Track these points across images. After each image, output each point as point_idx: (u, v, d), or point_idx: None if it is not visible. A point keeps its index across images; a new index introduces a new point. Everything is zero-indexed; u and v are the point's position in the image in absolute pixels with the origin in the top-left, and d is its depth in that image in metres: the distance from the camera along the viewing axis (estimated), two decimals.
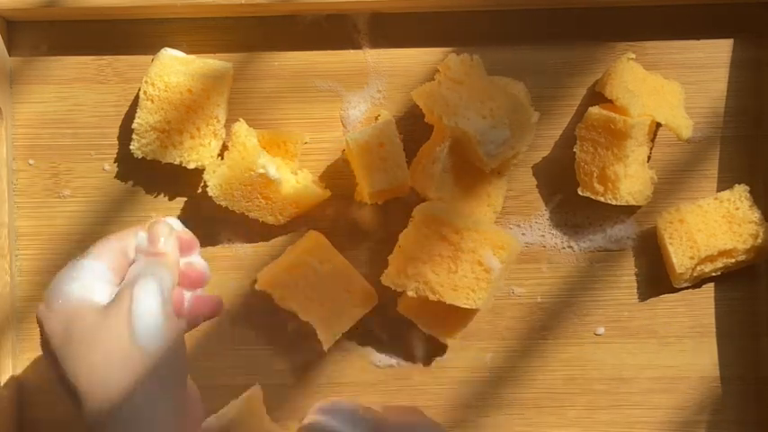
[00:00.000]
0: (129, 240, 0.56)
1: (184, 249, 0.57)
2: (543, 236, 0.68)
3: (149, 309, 0.52)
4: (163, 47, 0.67)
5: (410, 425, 0.53)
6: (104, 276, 0.54)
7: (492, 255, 0.62)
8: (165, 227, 0.56)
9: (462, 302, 0.62)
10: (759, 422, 0.68)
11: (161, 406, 0.52)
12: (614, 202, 0.65)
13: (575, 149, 0.66)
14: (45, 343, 0.53)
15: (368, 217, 0.68)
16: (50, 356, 0.53)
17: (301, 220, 0.68)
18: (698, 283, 0.68)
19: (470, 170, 0.65)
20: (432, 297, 0.62)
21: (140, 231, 0.56)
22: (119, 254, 0.55)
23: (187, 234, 0.58)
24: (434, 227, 0.63)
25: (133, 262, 0.55)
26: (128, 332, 0.51)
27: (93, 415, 0.51)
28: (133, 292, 0.52)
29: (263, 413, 0.66)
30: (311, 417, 0.59)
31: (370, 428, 0.55)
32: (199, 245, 0.58)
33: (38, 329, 0.68)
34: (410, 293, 0.63)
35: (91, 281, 0.54)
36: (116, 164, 0.68)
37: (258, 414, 0.65)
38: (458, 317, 0.66)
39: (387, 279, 0.64)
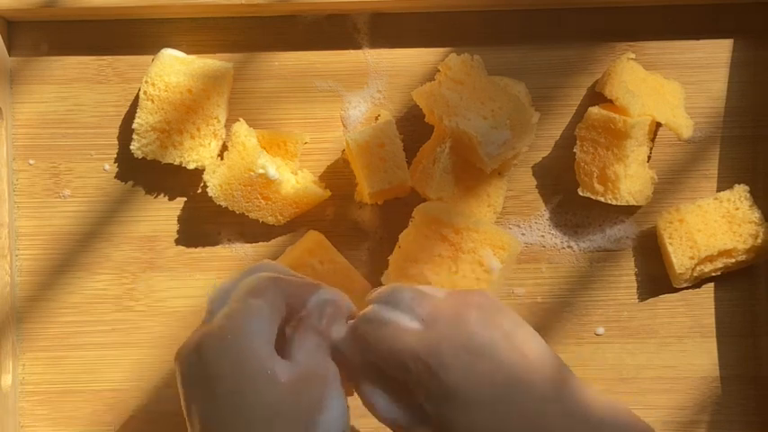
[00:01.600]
0: (300, 298, 0.54)
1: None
2: (543, 236, 0.68)
3: (338, 420, 0.51)
4: (163, 47, 0.67)
5: (461, 316, 0.52)
6: (273, 321, 0.52)
7: (492, 255, 0.62)
8: (341, 304, 0.55)
9: None
10: (759, 422, 0.68)
11: None
12: (614, 202, 0.65)
13: (575, 149, 0.66)
14: (200, 381, 0.50)
15: (368, 217, 0.68)
16: (198, 394, 0.50)
17: (301, 220, 0.68)
18: (698, 283, 0.68)
19: (471, 170, 0.65)
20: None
21: (314, 296, 0.54)
22: (283, 302, 0.53)
23: (352, 308, 0.56)
24: (434, 227, 0.63)
25: (296, 318, 0.53)
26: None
27: None
28: (326, 398, 0.51)
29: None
30: (370, 306, 0.56)
31: (424, 316, 0.53)
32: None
33: (39, 329, 0.68)
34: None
35: (263, 327, 0.51)
36: (116, 164, 0.69)
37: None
38: None
39: (387, 279, 0.64)
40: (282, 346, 0.53)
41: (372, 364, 0.53)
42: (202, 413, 0.50)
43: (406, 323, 0.53)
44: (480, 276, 0.62)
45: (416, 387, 0.51)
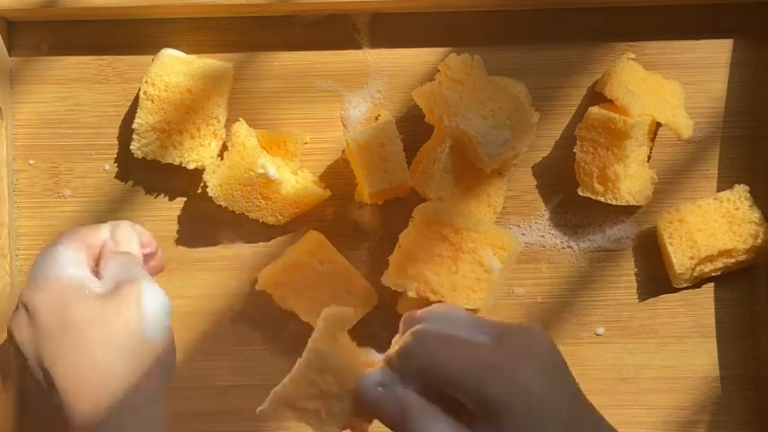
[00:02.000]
0: (94, 235, 0.58)
1: (145, 246, 0.60)
2: (543, 236, 0.68)
3: (160, 306, 0.54)
4: (163, 47, 0.67)
5: (532, 332, 0.53)
6: (82, 262, 0.55)
7: (492, 255, 0.62)
8: (129, 228, 0.59)
9: (463, 303, 0.62)
10: (759, 422, 0.68)
11: (158, 407, 0.52)
12: (614, 202, 0.65)
13: (575, 149, 0.66)
14: (26, 325, 0.53)
15: (368, 217, 0.68)
16: (32, 340, 0.52)
17: (301, 220, 0.68)
18: (698, 283, 0.68)
19: (471, 170, 0.65)
20: (432, 297, 0.62)
21: (104, 229, 0.58)
22: (87, 245, 0.57)
23: (145, 233, 0.61)
24: (434, 227, 0.63)
25: (98, 256, 0.57)
26: (139, 328, 0.52)
27: (84, 413, 0.50)
28: (142, 289, 0.53)
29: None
30: (420, 325, 0.54)
31: (488, 333, 0.52)
32: (155, 243, 0.62)
33: None
34: (410, 294, 0.63)
35: (74, 265, 0.55)
36: (116, 164, 0.68)
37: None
38: None
39: (387, 279, 0.64)
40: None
41: (430, 391, 0.51)
42: (50, 359, 0.52)
43: (474, 338, 0.52)
44: (480, 276, 0.62)
45: (493, 409, 0.49)
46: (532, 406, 0.49)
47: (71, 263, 0.55)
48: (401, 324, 0.56)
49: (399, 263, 0.63)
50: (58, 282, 0.53)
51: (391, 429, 0.52)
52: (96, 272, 0.56)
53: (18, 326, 0.53)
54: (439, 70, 0.65)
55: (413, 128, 0.68)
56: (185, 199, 0.68)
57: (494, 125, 0.62)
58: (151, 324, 0.53)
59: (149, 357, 0.52)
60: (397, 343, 0.54)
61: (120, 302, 0.53)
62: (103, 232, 0.58)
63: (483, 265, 0.63)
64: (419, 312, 0.55)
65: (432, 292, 0.62)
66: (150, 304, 0.53)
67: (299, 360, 0.55)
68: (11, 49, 0.68)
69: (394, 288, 0.63)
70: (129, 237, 0.58)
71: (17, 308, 0.54)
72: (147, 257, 0.61)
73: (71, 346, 0.52)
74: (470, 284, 0.62)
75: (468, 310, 0.63)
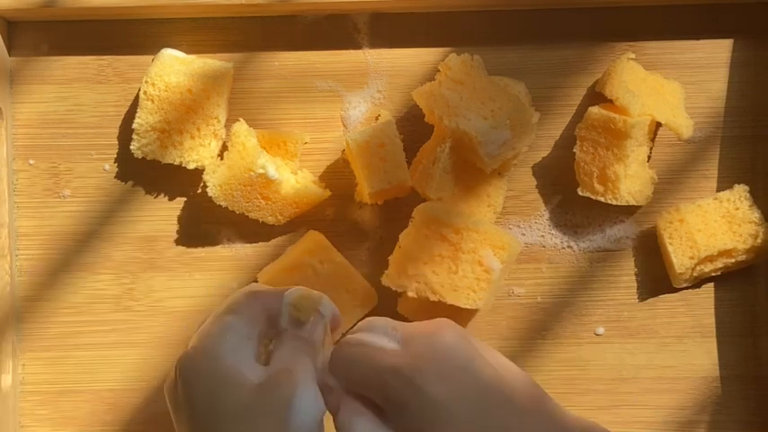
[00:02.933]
0: (273, 303, 0.56)
1: (332, 326, 0.58)
2: (543, 236, 0.68)
3: (311, 410, 0.52)
4: (163, 47, 0.67)
5: (435, 335, 0.54)
6: (249, 337, 0.54)
7: (492, 255, 0.62)
8: (319, 316, 0.56)
9: (463, 303, 0.62)
10: (759, 422, 0.68)
11: None
12: (614, 202, 0.65)
13: (574, 149, 0.66)
14: (181, 403, 0.52)
15: (368, 217, 0.68)
16: (185, 411, 0.52)
17: (301, 220, 0.68)
18: (698, 283, 0.68)
19: (471, 170, 0.65)
20: (432, 297, 0.62)
21: (286, 299, 0.56)
22: (261, 315, 0.55)
23: (335, 316, 0.58)
24: (434, 227, 0.63)
25: (273, 327, 0.55)
26: (284, 426, 0.51)
27: None
28: (297, 391, 0.52)
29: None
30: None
31: (399, 339, 0.55)
32: (340, 321, 0.59)
33: (39, 329, 0.68)
34: (410, 294, 0.63)
35: (240, 349, 0.53)
36: (116, 164, 0.69)
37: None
38: (458, 317, 0.65)
39: (387, 279, 0.64)
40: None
41: (353, 392, 0.54)
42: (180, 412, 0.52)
43: (384, 344, 0.55)
44: (480, 276, 0.62)
45: (396, 407, 0.52)
46: (425, 405, 0.51)
47: (237, 347, 0.53)
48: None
49: (399, 263, 0.63)
50: (216, 369, 0.52)
51: None
52: (265, 340, 0.55)
53: (172, 393, 0.53)
54: (439, 70, 0.65)
55: (413, 128, 0.68)
56: (185, 199, 0.68)
57: (494, 125, 0.62)
58: (299, 426, 0.51)
59: None
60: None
61: (271, 401, 0.51)
62: (285, 305, 0.56)
63: (483, 265, 0.63)
64: (357, 325, 0.59)
65: (432, 292, 0.62)
66: (301, 409, 0.51)
67: None
68: (11, 49, 0.68)
69: (394, 288, 0.63)
70: (314, 324, 0.56)
71: (174, 371, 0.53)
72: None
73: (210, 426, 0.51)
74: (470, 284, 0.62)
75: (468, 310, 0.63)
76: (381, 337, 0.56)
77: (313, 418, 0.52)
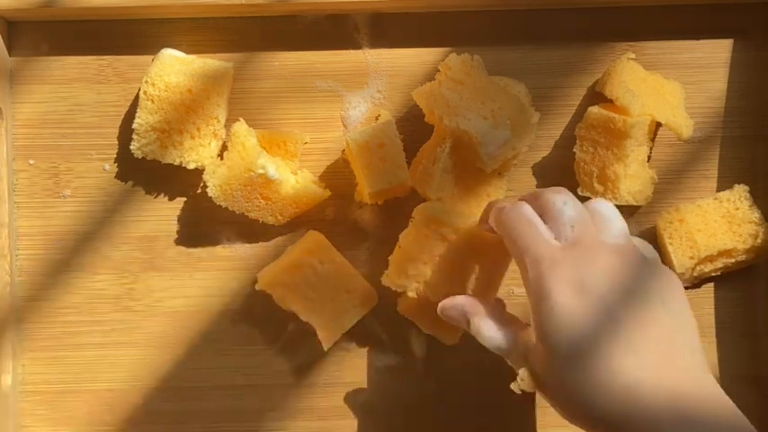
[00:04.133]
0: None
1: None
2: None
3: None
4: (163, 47, 0.67)
5: (596, 253, 0.54)
6: None
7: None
8: None
9: None
10: (759, 422, 0.68)
11: None
12: (614, 202, 0.65)
13: (574, 149, 0.66)
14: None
15: (368, 217, 0.68)
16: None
17: (301, 220, 0.68)
18: (698, 283, 0.68)
19: (471, 170, 0.65)
20: (432, 298, 0.62)
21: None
22: None
23: None
24: (434, 227, 0.63)
25: None
26: None
27: None
28: None
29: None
30: (537, 197, 0.58)
31: (569, 238, 0.54)
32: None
33: (39, 329, 0.68)
34: (410, 294, 0.63)
35: None
36: (116, 164, 0.69)
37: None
38: None
39: (387, 279, 0.64)
40: None
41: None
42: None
43: (548, 235, 0.55)
44: (479, 276, 0.62)
45: (531, 297, 0.54)
46: (547, 304, 0.52)
47: None
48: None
49: (399, 263, 0.63)
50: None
51: None
52: None
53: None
54: (439, 70, 0.65)
55: (413, 128, 0.68)
56: (185, 199, 0.68)
57: (494, 125, 0.62)
58: None
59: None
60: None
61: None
62: None
63: None
64: (547, 192, 0.57)
65: (431, 292, 0.62)
66: None
67: None
68: (11, 49, 0.68)
69: (394, 288, 0.63)
70: None
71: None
72: None
73: None
74: (470, 285, 0.62)
75: None
76: (550, 229, 0.55)
77: None
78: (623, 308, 0.52)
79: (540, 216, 0.56)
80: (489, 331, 0.57)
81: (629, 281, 0.53)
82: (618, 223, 0.55)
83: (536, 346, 0.54)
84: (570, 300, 0.52)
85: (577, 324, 0.51)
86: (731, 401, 0.52)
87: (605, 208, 0.56)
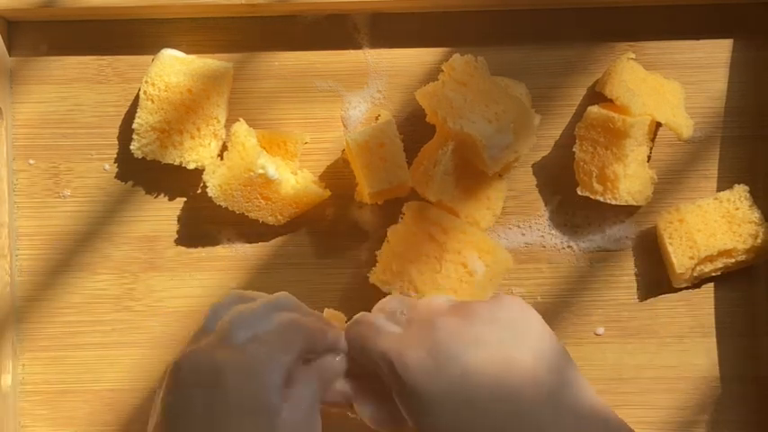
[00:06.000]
0: (318, 340, 0.57)
1: None
2: (543, 236, 0.68)
3: None
4: (163, 47, 0.67)
5: (434, 320, 0.54)
6: (290, 363, 0.54)
7: (477, 258, 0.63)
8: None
9: None
10: (759, 422, 0.68)
11: None
12: (613, 202, 0.65)
13: (574, 149, 0.66)
14: (204, 386, 0.52)
15: (368, 217, 0.68)
16: (195, 398, 0.52)
17: (301, 220, 0.68)
18: (698, 283, 0.68)
19: (472, 172, 0.65)
20: (414, 295, 0.62)
21: (339, 342, 0.58)
22: (305, 351, 0.56)
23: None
24: (424, 225, 0.63)
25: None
26: None
27: None
28: None
29: None
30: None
31: (403, 322, 0.56)
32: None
33: (39, 329, 0.68)
34: (395, 293, 0.63)
35: (284, 367, 0.53)
36: (116, 164, 0.69)
37: None
38: None
39: (374, 277, 0.64)
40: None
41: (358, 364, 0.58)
42: (185, 417, 0.51)
43: (388, 327, 0.56)
44: (463, 278, 0.62)
45: (391, 388, 0.54)
46: (404, 392, 0.52)
47: (281, 369, 0.53)
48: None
49: (386, 260, 0.63)
50: (260, 382, 0.52)
51: None
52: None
53: (197, 369, 0.53)
54: (442, 71, 0.65)
55: (413, 128, 0.68)
56: (185, 199, 0.68)
57: (498, 128, 0.62)
58: None
59: None
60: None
61: None
62: (331, 339, 0.58)
63: (466, 267, 0.63)
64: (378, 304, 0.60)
65: (415, 290, 0.62)
66: None
67: None
68: (11, 49, 0.68)
69: (379, 285, 0.63)
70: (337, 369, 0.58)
71: (203, 351, 0.53)
72: None
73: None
74: (453, 285, 0.62)
75: None
76: (388, 320, 0.57)
77: None
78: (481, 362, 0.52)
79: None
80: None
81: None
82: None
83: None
84: (429, 379, 0.52)
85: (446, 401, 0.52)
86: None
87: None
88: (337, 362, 0.58)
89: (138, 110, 0.65)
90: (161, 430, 0.52)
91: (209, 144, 0.66)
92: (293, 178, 0.66)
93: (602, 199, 0.65)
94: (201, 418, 0.51)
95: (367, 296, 0.64)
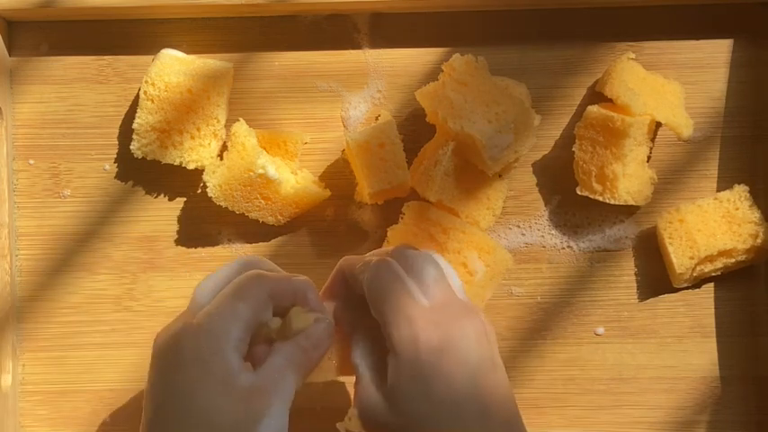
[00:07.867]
0: (281, 289, 0.55)
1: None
2: (543, 236, 0.68)
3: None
4: (163, 47, 0.67)
5: (456, 323, 0.54)
6: (250, 327, 0.53)
7: (477, 258, 0.63)
8: (326, 324, 0.56)
9: None
10: (759, 422, 0.68)
11: None
12: (613, 202, 0.65)
13: (574, 149, 0.66)
14: (168, 366, 0.52)
15: (368, 217, 0.68)
16: (163, 376, 0.52)
17: (301, 220, 0.68)
18: (698, 283, 0.68)
19: (472, 172, 0.65)
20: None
21: (299, 286, 0.56)
22: (267, 303, 0.54)
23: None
24: (424, 225, 0.63)
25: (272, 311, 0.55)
26: None
27: None
28: (268, 413, 0.51)
29: None
30: (391, 260, 0.57)
31: (431, 298, 0.54)
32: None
33: (39, 329, 0.68)
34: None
35: (242, 335, 0.52)
36: (116, 164, 0.69)
37: None
38: None
39: None
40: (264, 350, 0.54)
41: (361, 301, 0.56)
42: (155, 399, 0.52)
43: (417, 295, 0.54)
44: (463, 278, 0.62)
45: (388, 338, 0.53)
46: (410, 359, 0.52)
47: (240, 340, 0.52)
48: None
49: None
50: (220, 354, 0.51)
51: None
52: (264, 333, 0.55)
53: (163, 348, 0.53)
54: (442, 71, 0.65)
55: (413, 128, 0.68)
56: (185, 199, 0.68)
57: (498, 129, 0.62)
58: None
59: None
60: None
61: (243, 414, 0.50)
62: (297, 287, 0.55)
63: (467, 267, 0.63)
64: (399, 247, 0.58)
65: None
66: (267, 426, 0.50)
67: None
68: (11, 49, 0.68)
69: None
70: (321, 338, 0.55)
71: (169, 337, 0.53)
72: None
73: (177, 409, 0.51)
74: None
75: None
76: (418, 287, 0.55)
77: None
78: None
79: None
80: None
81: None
82: (432, 272, 0.56)
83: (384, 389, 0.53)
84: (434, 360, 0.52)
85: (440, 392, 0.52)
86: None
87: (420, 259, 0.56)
88: (322, 329, 0.55)
89: (138, 110, 0.65)
90: (142, 424, 0.53)
91: (209, 144, 0.66)
92: (293, 178, 0.66)
93: (601, 199, 0.65)
94: (173, 397, 0.51)
95: None
